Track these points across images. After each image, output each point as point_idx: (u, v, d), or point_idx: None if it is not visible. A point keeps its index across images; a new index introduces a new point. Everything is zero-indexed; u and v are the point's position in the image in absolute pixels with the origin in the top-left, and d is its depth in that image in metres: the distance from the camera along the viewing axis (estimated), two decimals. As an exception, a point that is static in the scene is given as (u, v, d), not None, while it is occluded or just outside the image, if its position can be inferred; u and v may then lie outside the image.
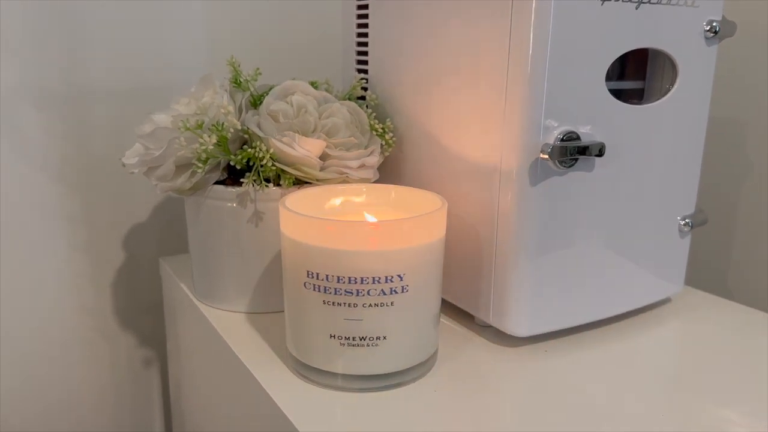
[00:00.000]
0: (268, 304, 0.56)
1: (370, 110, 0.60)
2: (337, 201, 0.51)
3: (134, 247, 0.76)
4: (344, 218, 0.49)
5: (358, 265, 0.41)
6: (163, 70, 0.73)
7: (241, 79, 0.58)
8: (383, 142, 0.59)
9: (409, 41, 0.57)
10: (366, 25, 0.63)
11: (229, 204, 0.54)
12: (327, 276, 0.42)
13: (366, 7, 0.63)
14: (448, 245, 0.47)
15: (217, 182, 0.55)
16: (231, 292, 0.57)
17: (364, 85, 0.64)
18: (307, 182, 0.54)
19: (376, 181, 0.57)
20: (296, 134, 0.53)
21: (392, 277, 0.42)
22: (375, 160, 0.57)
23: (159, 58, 0.72)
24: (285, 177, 0.54)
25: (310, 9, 0.79)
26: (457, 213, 0.52)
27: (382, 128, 0.59)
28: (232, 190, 0.54)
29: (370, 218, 0.49)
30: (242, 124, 0.55)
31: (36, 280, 0.71)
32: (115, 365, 0.77)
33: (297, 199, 0.48)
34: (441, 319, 0.56)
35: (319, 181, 0.54)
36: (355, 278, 0.41)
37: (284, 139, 0.53)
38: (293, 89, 0.57)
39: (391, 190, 0.51)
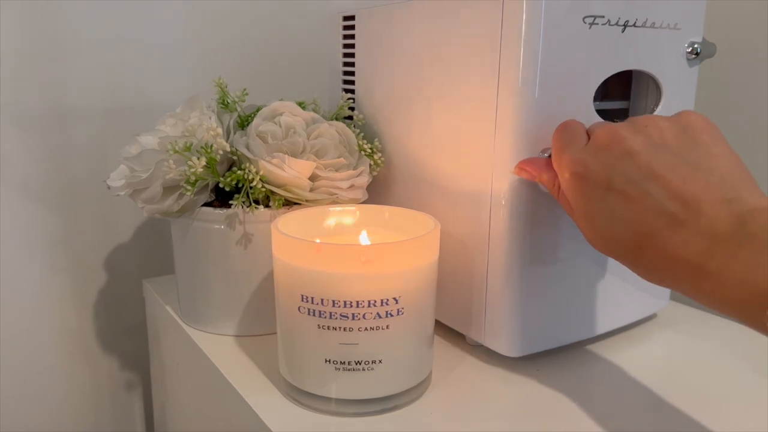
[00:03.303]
0: (258, 327, 0.56)
1: (357, 130, 0.60)
2: (329, 222, 0.51)
3: (117, 268, 0.74)
4: (338, 241, 0.49)
5: (353, 289, 0.41)
6: (146, 90, 0.72)
7: (229, 100, 0.57)
8: (372, 162, 0.59)
9: (396, 61, 0.58)
10: (353, 45, 0.64)
11: (218, 226, 0.53)
12: (322, 300, 0.42)
13: (352, 27, 0.63)
14: (439, 265, 0.47)
15: (205, 204, 0.54)
16: (219, 315, 0.56)
17: (351, 105, 0.64)
18: (296, 203, 0.54)
19: (365, 202, 0.57)
20: (286, 155, 0.53)
21: (387, 300, 0.42)
22: (365, 180, 0.57)
23: (142, 77, 0.72)
24: (274, 198, 0.53)
25: (296, 28, 0.80)
26: (448, 233, 0.52)
27: (371, 148, 0.59)
28: (221, 212, 0.53)
29: (365, 241, 0.49)
30: (231, 146, 0.55)
31: (16, 302, 0.70)
32: (97, 388, 0.76)
33: (289, 222, 0.47)
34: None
35: (309, 202, 0.54)
36: (351, 302, 0.41)
37: (274, 161, 0.52)
38: (281, 110, 0.57)
39: (385, 211, 0.51)
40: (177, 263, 0.58)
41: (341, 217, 0.51)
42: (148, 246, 0.76)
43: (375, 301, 0.41)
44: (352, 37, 0.63)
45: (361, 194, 0.57)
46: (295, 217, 0.49)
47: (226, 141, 0.54)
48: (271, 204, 0.53)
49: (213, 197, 0.55)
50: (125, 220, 0.74)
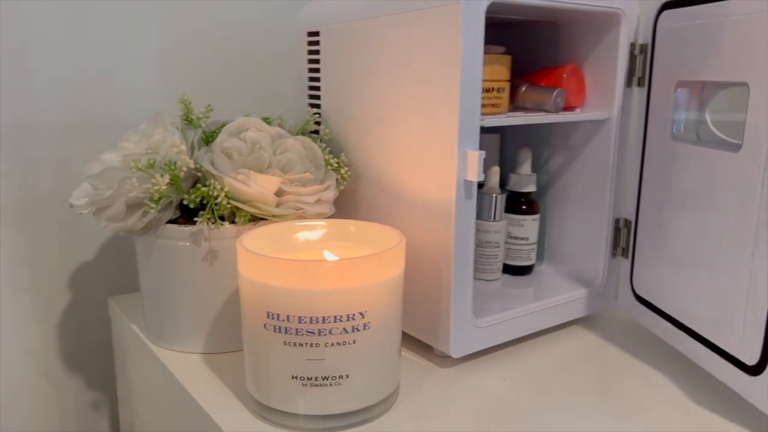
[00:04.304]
0: (225, 344, 0.55)
1: (324, 145, 0.60)
2: (295, 238, 0.51)
3: (81, 287, 0.73)
4: (304, 256, 0.49)
5: (319, 305, 0.41)
6: (111, 106, 0.71)
7: (193, 117, 0.57)
8: (338, 177, 0.59)
9: (361, 76, 0.58)
10: (318, 61, 0.64)
11: (183, 243, 0.53)
12: (288, 316, 0.42)
13: (317, 42, 0.64)
14: (405, 278, 0.48)
15: (170, 221, 0.54)
16: (185, 333, 0.56)
17: (318, 120, 0.65)
18: (262, 219, 0.54)
19: (332, 216, 0.57)
20: (251, 171, 0.53)
21: (353, 315, 0.42)
22: (331, 194, 0.57)
23: (107, 93, 0.71)
24: (240, 214, 0.53)
25: (263, 44, 0.79)
26: (415, 246, 0.53)
27: (337, 163, 0.59)
28: (186, 229, 0.53)
29: (330, 256, 0.49)
30: (195, 162, 0.54)
31: (-25, 325, 0.68)
32: (63, 410, 0.74)
33: (254, 238, 0.47)
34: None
35: (276, 217, 0.54)
36: (317, 318, 0.41)
37: (239, 177, 0.52)
38: (247, 126, 0.57)
39: (351, 225, 0.52)
40: (142, 281, 0.58)
41: (307, 232, 0.52)
42: (114, 263, 0.74)
43: (341, 317, 0.42)
44: (317, 52, 0.64)
45: (328, 208, 0.57)
46: (261, 234, 0.49)
47: (191, 157, 0.54)
48: (237, 220, 0.53)
49: (178, 214, 0.55)
50: (90, 238, 0.73)
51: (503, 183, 0.66)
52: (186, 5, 0.74)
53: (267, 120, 0.61)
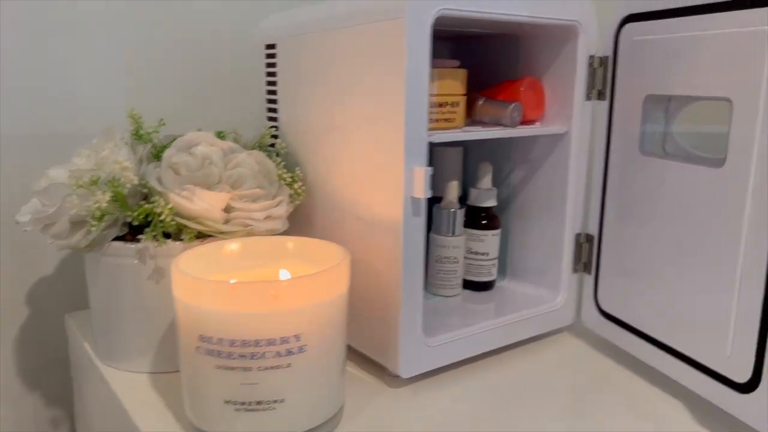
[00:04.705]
0: (172, 364, 0.54)
1: (279, 159, 0.59)
2: (233, 257, 0.50)
3: (39, 302, 0.72)
4: (242, 276, 0.48)
5: (251, 328, 0.40)
6: (69, 119, 0.70)
7: (142, 131, 0.56)
8: (292, 192, 0.58)
9: (315, 89, 0.57)
10: (275, 74, 0.63)
11: (128, 261, 0.52)
12: (220, 340, 0.40)
13: (274, 55, 0.63)
14: (358, 295, 0.47)
15: (117, 238, 0.53)
16: (132, 352, 0.54)
17: (275, 133, 0.64)
18: (211, 236, 0.53)
19: (286, 231, 0.56)
20: (196, 187, 0.52)
21: (288, 338, 0.41)
22: (282, 210, 0.56)
23: (65, 106, 0.70)
24: (187, 231, 0.52)
25: (224, 57, 0.78)
26: (366, 262, 0.52)
27: (291, 177, 0.58)
28: (131, 247, 0.52)
29: (268, 276, 0.48)
30: (142, 178, 0.53)
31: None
32: (21, 427, 0.73)
33: (191, 259, 0.46)
34: (351, 369, 0.55)
35: (224, 234, 0.53)
36: (249, 341, 0.40)
37: (183, 193, 0.51)
38: (197, 140, 0.56)
39: (290, 242, 0.51)
40: (91, 299, 0.57)
41: (245, 250, 0.50)
42: (72, 279, 0.73)
43: (274, 340, 0.40)
44: (274, 65, 0.63)
45: (280, 224, 0.56)
46: (198, 254, 0.48)
47: (138, 173, 0.53)
48: (183, 237, 0.52)
49: (125, 231, 0.54)
50: (49, 252, 0.72)
51: (466, 197, 0.65)
52: (152, 18, 0.73)
53: (221, 134, 0.60)
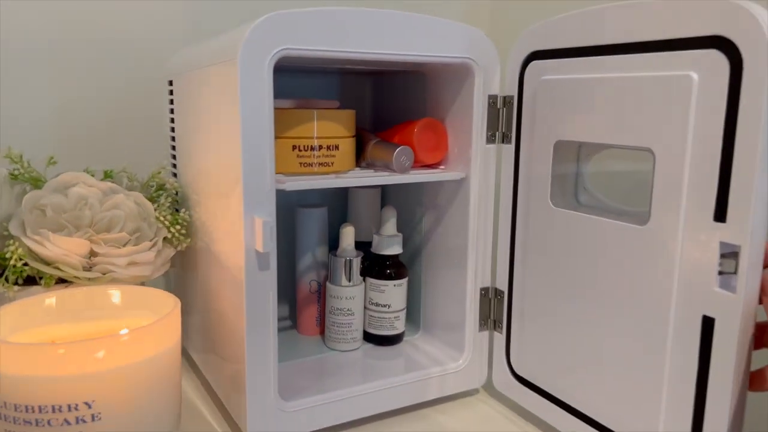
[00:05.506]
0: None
1: (169, 199, 0.57)
2: (49, 310, 0.47)
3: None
4: (55, 333, 0.45)
5: (35, 393, 0.37)
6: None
7: (17, 172, 0.55)
8: (168, 236, 0.55)
9: (191, 128, 0.55)
10: (173, 110, 0.61)
11: (-15, 305, 0.50)
12: (5, 403, 0.38)
13: (172, 92, 0.61)
14: (220, 349, 0.43)
15: (-19, 281, 0.51)
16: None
17: (174, 171, 0.62)
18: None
19: (169, 275, 0.54)
20: (49, 232, 0.49)
21: (77, 405, 0.38)
22: (150, 256, 0.53)
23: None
24: (45, 276, 0.50)
25: (135, 94, 0.74)
26: (224, 314, 0.48)
27: (170, 221, 0.55)
28: (-13, 291, 0.50)
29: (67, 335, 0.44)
30: (5, 220, 0.52)
31: None
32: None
33: (11, 312, 0.44)
34: (214, 425, 0.51)
35: (91, 281, 0.51)
36: (32, 407, 0.37)
37: (36, 237, 0.49)
38: (75, 181, 0.54)
39: (114, 294, 0.48)
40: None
41: (63, 302, 0.47)
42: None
43: (59, 407, 0.37)
44: (172, 102, 0.61)
45: (148, 271, 0.53)
46: (21, 307, 0.45)
47: (7, 214, 0.52)
48: (41, 282, 0.50)
49: (-8, 273, 0.52)
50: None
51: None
52: (80, 57, 0.71)
53: (109, 174, 0.58)
